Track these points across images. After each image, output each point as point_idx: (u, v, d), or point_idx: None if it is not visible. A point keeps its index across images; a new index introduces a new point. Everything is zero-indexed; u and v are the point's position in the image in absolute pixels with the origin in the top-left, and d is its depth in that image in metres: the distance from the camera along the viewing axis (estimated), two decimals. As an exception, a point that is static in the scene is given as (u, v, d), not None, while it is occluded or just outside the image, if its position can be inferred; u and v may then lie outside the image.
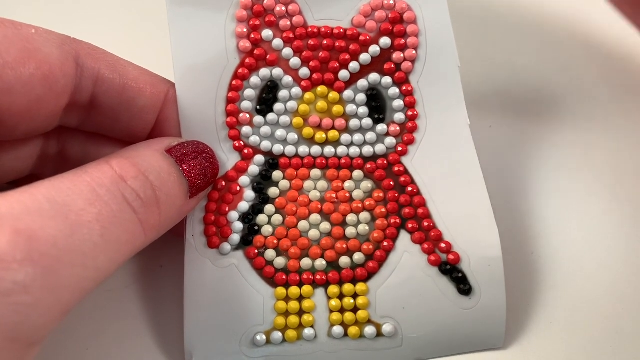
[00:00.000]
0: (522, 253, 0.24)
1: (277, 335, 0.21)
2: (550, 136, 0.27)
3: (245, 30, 0.21)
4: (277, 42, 0.21)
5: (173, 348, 0.22)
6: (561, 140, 0.27)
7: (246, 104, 0.21)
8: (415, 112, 0.22)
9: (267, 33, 0.21)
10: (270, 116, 0.21)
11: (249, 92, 0.21)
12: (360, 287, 0.21)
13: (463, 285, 0.21)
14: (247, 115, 0.21)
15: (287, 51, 0.21)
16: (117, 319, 0.22)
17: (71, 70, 0.19)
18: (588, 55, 0.29)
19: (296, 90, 0.21)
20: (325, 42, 0.21)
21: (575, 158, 0.26)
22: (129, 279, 0.23)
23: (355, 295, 0.21)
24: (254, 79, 0.21)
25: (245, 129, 0.21)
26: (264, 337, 0.21)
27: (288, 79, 0.21)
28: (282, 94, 0.21)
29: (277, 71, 0.21)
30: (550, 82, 0.28)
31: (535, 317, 0.22)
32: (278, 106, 0.21)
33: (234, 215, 0.21)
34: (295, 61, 0.21)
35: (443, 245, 0.21)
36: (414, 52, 0.22)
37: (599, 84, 0.28)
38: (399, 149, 0.22)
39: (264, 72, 0.21)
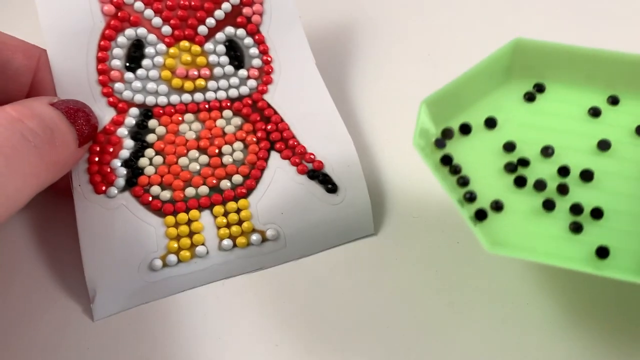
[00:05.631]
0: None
1: (172, 257, 0.22)
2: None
3: (107, -5, 0.24)
4: (139, 5, 0.24)
5: (77, 290, 0.22)
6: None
7: (116, 62, 0.24)
8: (270, 57, 0.25)
9: (128, -3, 0.24)
10: (140, 71, 0.24)
11: (117, 51, 0.24)
12: (242, 203, 0.23)
13: (330, 185, 0.24)
14: (118, 73, 0.24)
15: (149, 12, 0.24)
16: (20, 274, 0.23)
17: None
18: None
19: (161, 47, 0.24)
20: (182, 2, 0.24)
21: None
22: (26, 234, 0.24)
23: (238, 211, 0.23)
24: (121, 39, 0.24)
25: (118, 85, 0.24)
26: (160, 261, 0.22)
27: (152, 37, 0.24)
28: (148, 50, 0.24)
29: (142, 30, 0.24)
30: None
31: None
32: (146, 62, 0.24)
33: (116, 162, 0.23)
34: (156, 21, 0.24)
35: (308, 156, 0.24)
36: (260, 6, 0.25)
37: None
38: (260, 88, 0.25)
39: (129, 32, 0.24)
